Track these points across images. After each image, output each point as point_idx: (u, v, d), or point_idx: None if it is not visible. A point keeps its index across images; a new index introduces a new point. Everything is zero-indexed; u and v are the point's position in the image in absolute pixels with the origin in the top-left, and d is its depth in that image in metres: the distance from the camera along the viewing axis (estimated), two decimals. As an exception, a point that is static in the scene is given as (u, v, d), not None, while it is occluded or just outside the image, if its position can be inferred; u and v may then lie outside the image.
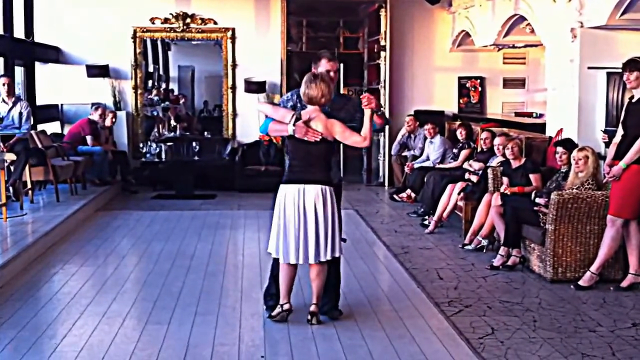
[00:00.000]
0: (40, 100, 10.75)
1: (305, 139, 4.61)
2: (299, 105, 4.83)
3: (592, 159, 5.94)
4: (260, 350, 4.35)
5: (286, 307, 4.80)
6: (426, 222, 8.13)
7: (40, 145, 8.91)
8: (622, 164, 5.40)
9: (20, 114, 8.48)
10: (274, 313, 4.83)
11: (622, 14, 7.10)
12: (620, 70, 5.66)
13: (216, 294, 5.54)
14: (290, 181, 4.70)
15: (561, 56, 7.96)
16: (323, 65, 4.87)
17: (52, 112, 10.90)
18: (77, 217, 8.20)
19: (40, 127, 10.16)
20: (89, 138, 9.99)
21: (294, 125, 4.62)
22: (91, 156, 9.81)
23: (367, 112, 4.63)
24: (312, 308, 4.79)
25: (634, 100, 5.47)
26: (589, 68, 7.61)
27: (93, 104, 10.61)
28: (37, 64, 10.80)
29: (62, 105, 11.06)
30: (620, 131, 5.59)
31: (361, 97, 4.72)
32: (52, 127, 10.77)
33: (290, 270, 4.76)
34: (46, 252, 6.81)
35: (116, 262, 6.61)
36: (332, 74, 4.85)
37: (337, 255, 4.74)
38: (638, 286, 5.61)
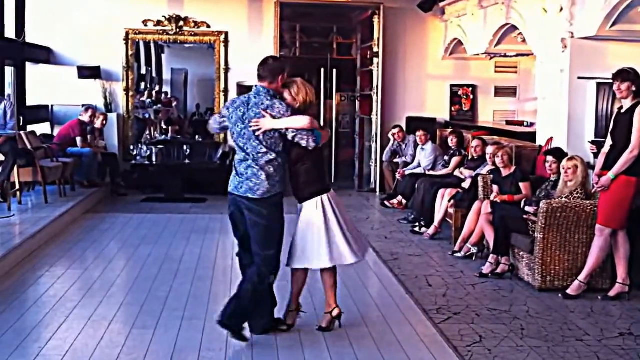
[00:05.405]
0: (30, 101, 10.72)
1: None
2: None
3: (581, 168, 5.95)
4: (248, 355, 4.33)
5: (292, 307, 4.80)
6: (417, 229, 8.12)
7: (29, 146, 8.85)
8: (611, 174, 5.41)
9: (5, 112, 8.44)
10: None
11: (612, 25, 7.15)
12: (610, 81, 5.67)
13: (204, 299, 5.51)
14: None
15: (551, 66, 7.99)
16: None
17: (42, 113, 10.85)
18: (64, 220, 8.15)
19: (30, 128, 10.12)
20: (78, 139, 9.94)
21: None
22: (80, 158, 9.76)
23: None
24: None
25: (622, 111, 5.47)
26: (579, 78, 7.64)
27: (83, 105, 10.57)
28: (28, 65, 10.76)
29: (52, 106, 11.00)
30: (609, 141, 5.61)
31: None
32: (42, 128, 10.72)
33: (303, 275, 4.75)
34: (33, 254, 6.77)
35: (103, 265, 6.56)
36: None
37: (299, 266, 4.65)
38: (625, 296, 5.62)
